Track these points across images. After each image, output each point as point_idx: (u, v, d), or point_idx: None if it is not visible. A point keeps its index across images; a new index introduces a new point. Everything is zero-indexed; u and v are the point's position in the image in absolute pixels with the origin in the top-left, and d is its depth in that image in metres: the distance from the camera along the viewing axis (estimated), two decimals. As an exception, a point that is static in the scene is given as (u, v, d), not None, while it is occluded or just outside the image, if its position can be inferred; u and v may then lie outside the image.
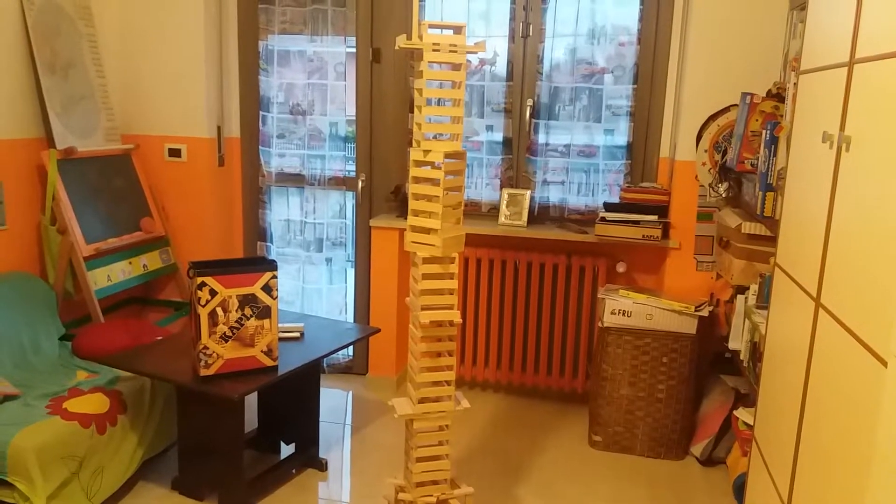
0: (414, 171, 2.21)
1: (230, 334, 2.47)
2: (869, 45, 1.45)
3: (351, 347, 3.95)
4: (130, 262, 3.49)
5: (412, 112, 3.68)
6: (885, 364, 1.24)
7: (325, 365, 3.96)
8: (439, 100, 2.21)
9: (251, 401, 2.99)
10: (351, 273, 3.97)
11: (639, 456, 3.18)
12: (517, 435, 3.35)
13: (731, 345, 2.84)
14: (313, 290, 4.01)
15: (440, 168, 2.16)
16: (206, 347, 2.44)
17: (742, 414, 2.54)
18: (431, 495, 2.35)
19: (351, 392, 3.79)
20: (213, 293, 2.44)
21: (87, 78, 3.53)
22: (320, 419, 3.08)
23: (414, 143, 2.23)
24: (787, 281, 1.93)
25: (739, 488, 2.76)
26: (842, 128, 1.58)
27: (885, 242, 1.29)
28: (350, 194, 3.89)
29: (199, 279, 2.42)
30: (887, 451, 1.16)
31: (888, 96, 1.34)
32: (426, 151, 2.18)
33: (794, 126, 2.07)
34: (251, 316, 2.50)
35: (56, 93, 3.32)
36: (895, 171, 1.27)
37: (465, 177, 2.26)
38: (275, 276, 2.53)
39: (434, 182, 2.17)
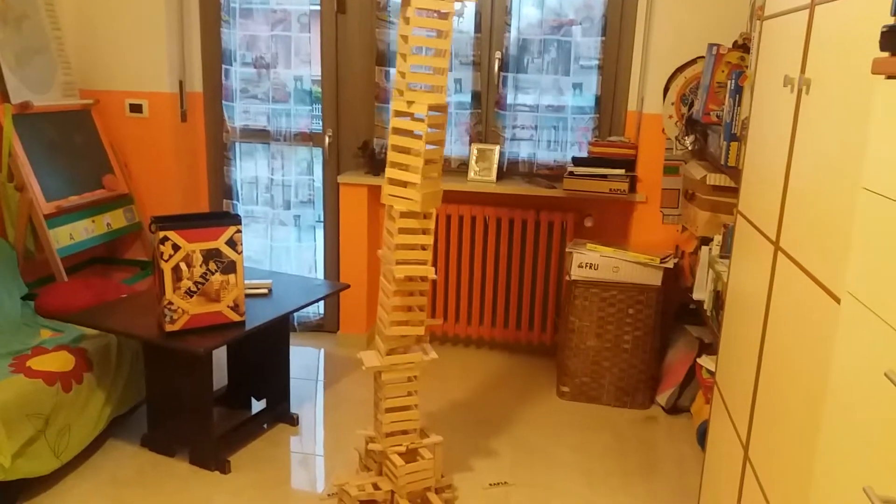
0: (395, 122, 2.16)
1: (195, 289, 2.45)
2: (829, -14, 1.45)
3: (322, 306, 3.95)
4: (93, 221, 3.43)
5: (379, 65, 3.63)
6: (838, 301, 1.26)
7: (295, 323, 3.96)
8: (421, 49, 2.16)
9: (221, 358, 2.98)
10: (320, 231, 3.94)
11: (605, 405, 3.24)
12: (487, 387, 3.39)
13: (696, 295, 2.88)
14: (281, 248, 3.98)
15: (423, 120, 2.12)
16: (170, 303, 2.42)
17: (705, 361, 2.59)
18: (401, 444, 2.37)
19: (322, 350, 3.79)
20: (175, 248, 2.40)
21: (41, 30, 3.42)
22: (292, 376, 3.08)
23: (395, 93, 2.16)
24: (748, 227, 1.95)
25: (703, 434, 2.83)
26: (802, 70, 1.59)
27: (841, 184, 1.30)
28: (317, 150, 3.84)
29: (162, 233, 2.38)
30: (839, 384, 1.19)
31: (846, 37, 1.34)
32: (409, 102, 2.13)
33: (756, 72, 2.08)
34: (216, 271, 2.47)
35: (9, 45, 3.21)
36: (852, 110, 1.28)
37: (446, 131, 2.22)
38: (239, 231, 2.50)
39: (415, 135, 2.13)
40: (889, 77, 1.04)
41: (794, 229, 1.55)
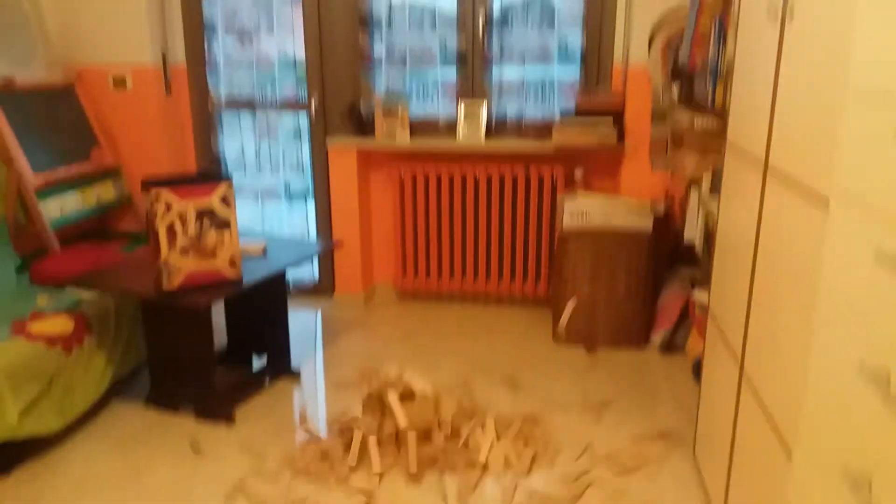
0: None
1: (191, 248, 2.46)
2: None
3: (316, 269, 3.97)
4: (83, 194, 3.42)
5: (363, 28, 3.62)
6: (826, 203, 1.30)
7: (291, 286, 3.98)
8: None
9: (219, 320, 3.00)
10: (311, 197, 3.95)
11: (601, 346, 3.29)
12: (483, 337, 3.43)
13: (686, 236, 2.92)
14: (272, 216, 3.99)
15: None
16: (167, 262, 2.43)
17: (698, 296, 2.63)
18: (398, 388, 2.41)
19: (320, 311, 3.81)
20: (168, 206, 2.41)
21: (19, 5, 3.38)
22: (291, 337, 3.10)
23: None
24: (737, 157, 1.98)
25: (698, 368, 2.88)
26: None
27: (826, 94, 1.33)
28: (304, 115, 3.83)
29: (155, 192, 2.39)
30: (831, 286, 1.23)
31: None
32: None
33: (740, 10, 2.10)
34: (210, 228, 2.48)
35: (-13, 18, 3.18)
36: (833, 33, 1.31)
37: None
38: (231, 187, 2.51)
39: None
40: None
41: (783, 143, 1.58)
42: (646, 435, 2.58)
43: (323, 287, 3.99)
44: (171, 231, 2.43)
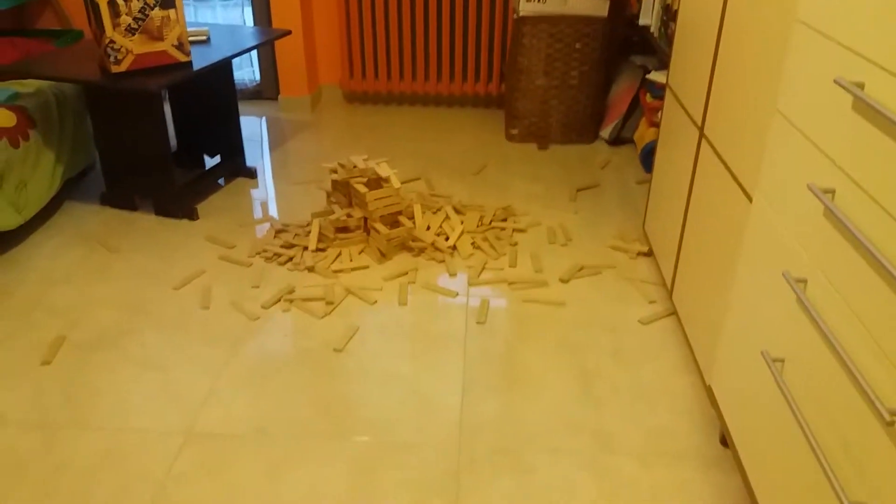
0: None
1: (136, 27, 2.31)
2: None
3: (257, 71, 3.81)
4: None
5: None
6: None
7: (232, 92, 3.83)
8: None
9: (167, 118, 2.89)
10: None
11: (553, 143, 3.37)
12: (436, 138, 3.44)
13: (641, 21, 2.92)
14: (206, 7, 3.74)
15: None
16: (112, 42, 2.28)
17: (655, 76, 2.68)
18: (364, 177, 2.44)
19: (265, 116, 3.71)
20: (108, -18, 2.23)
21: None
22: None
23: None
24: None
25: (647, 155, 3.00)
26: None
27: None
28: None
29: (90, -35, 2.19)
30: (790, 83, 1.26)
31: None
32: None
33: None
34: (154, 5, 2.32)
35: None
36: None
37: None
38: (174, -37, 2.33)
39: None
40: None
41: None
42: (597, 214, 2.72)
43: (266, 90, 3.85)
44: (113, 6, 2.26)
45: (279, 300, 2.17)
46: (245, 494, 1.54)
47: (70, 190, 2.78)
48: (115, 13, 2.26)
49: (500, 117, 3.69)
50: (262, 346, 1.98)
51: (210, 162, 3.06)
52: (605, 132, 3.36)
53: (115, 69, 2.31)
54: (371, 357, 1.94)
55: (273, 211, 2.74)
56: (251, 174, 2.99)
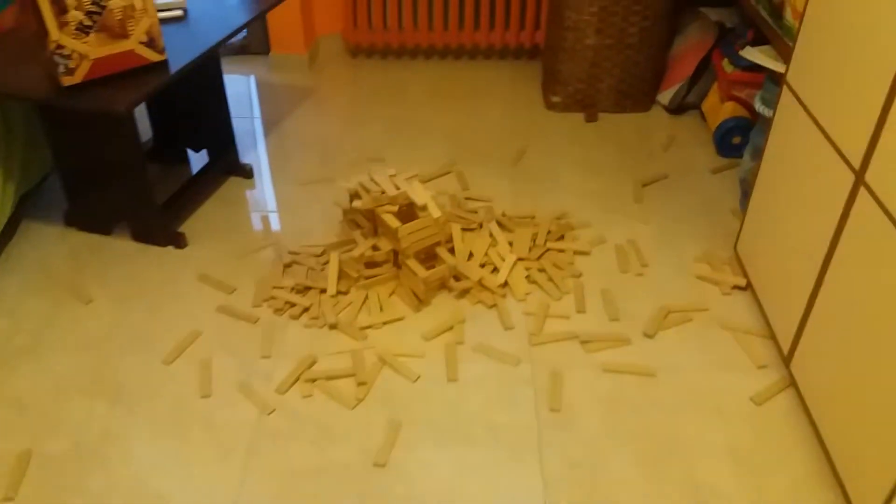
0: None
1: (90, 23, 1.74)
2: None
3: (243, 21, 3.19)
4: None
5: None
6: None
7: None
8: None
9: (140, 107, 2.34)
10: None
11: (602, 112, 2.84)
12: (461, 107, 2.90)
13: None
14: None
15: None
16: (60, 46, 1.73)
17: (750, 54, 2.13)
18: (394, 204, 1.95)
19: (253, 77, 3.14)
20: (43, -37, 1.65)
21: None
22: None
23: None
24: None
25: (724, 136, 2.50)
26: None
27: None
28: None
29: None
30: None
31: None
32: None
33: None
34: (111, -8, 1.75)
35: None
36: None
37: None
38: (131, -71, 1.73)
39: None
40: None
41: None
42: (666, 221, 2.25)
43: (254, 44, 3.25)
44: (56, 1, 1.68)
45: (297, 379, 1.74)
46: None
47: (27, 207, 2.27)
48: (61, 9, 1.68)
49: (535, 73, 3.13)
50: (282, 458, 1.56)
51: (194, 158, 2.54)
52: (665, 97, 2.82)
53: (67, 81, 1.76)
54: (423, 474, 1.53)
55: (276, 224, 2.26)
56: (246, 173, 2.47)
